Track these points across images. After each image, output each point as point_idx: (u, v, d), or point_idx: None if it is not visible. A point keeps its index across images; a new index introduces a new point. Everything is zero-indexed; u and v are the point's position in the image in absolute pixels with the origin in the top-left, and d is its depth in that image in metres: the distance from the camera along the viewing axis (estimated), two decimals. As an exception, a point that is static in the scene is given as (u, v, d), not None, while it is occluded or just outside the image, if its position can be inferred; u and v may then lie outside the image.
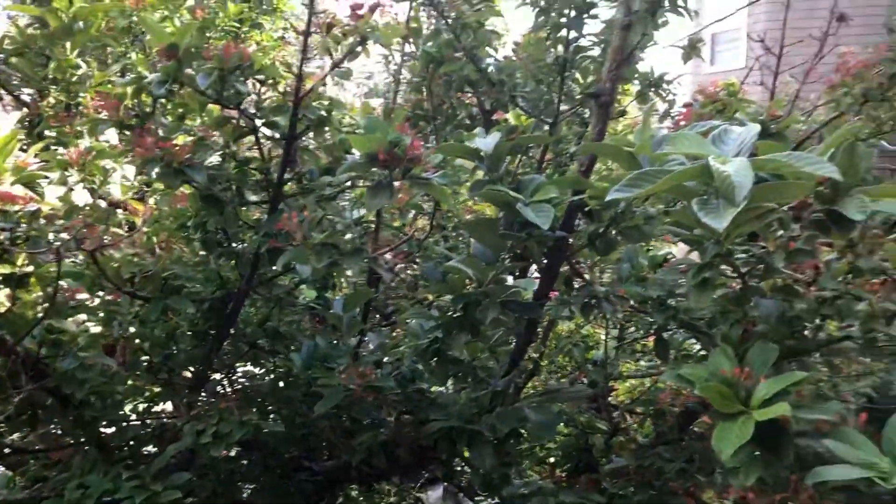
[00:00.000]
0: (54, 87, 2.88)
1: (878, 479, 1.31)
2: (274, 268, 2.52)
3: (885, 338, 1.69)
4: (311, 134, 2.43)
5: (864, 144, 2.43)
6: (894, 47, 2.56)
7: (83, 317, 2.33)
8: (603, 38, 3.15)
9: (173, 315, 2.57)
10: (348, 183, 2.39)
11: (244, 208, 2.53)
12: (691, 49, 3.47)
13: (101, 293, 2.39)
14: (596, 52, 3.20)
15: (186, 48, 2.21)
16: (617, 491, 2.64)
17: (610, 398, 3.36)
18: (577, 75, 3.33)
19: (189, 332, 2.67)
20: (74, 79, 2.88)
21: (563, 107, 3.30)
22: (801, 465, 1.40)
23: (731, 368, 1.49)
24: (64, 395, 2.25)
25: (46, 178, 2.29)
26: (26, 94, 3.00)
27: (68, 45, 2.82)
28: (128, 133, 2.32)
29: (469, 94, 3.47)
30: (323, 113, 2.36)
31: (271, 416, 2.83)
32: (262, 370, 3.11)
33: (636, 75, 3.47)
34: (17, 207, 2.04)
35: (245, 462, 2.87)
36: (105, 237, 2.19)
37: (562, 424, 3.12)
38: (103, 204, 2.51)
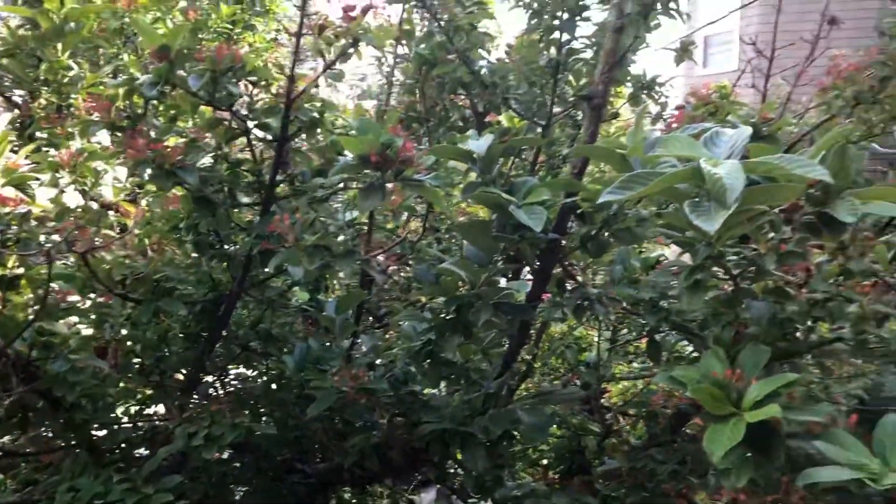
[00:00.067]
0: (46, 88, 2.87)
1: (868, 480, 1.32)
2: (266, 270, 2.52)
3: (875, 339, 1.70)
4: (303, 136, 2.43)
5: (855, 147, 2.44)
6: (885, 50, 2.57)
7: (74, 319, 2.32)
8: (595, 41, 3.16)
9: (165, 317, 2.56)
10: (341, 185, 2.39)
11: (236, 210, 2.53)
12: (684, 52, 3.48)
13: (92, 295, 2.38)
14: (589, 54, 3.21)
15: (178, 50, 2.20)
16: (609, 493, 2.64)
17: (603, 400, 3.37)
18: (570, 78, 3.34)
19: (181, 335, 2.66)
20: (66, 80, 2.86)
21: (556, 109, 3.30)
22: (793, 467, 1.41)
23: (723, 370, 1.49)
24: (55, 398, 2.24)
25: (37, 179, 2.29)
26: (17, 95, 2.99)
27: (60, 46, 2.81)
28: (119, 135, 2.31)
29: (462, 97, 3.47)
30: (315, 114, 2.36)
31: (264, 418, 2.82)
32: (255, 372, 3.09)
33: (629, 78, 3.48)
34: (7, 209, 2.03)
35: (237, 464, 2.86)
36: (96, 239, 2.18)
37: (554, 426, 3.12)
38: (95, 206, 2.50)
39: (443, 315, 2.27)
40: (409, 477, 4.17)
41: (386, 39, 2.49)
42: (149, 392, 2.73)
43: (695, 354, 2.65)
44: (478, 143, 2.06)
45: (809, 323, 1.78)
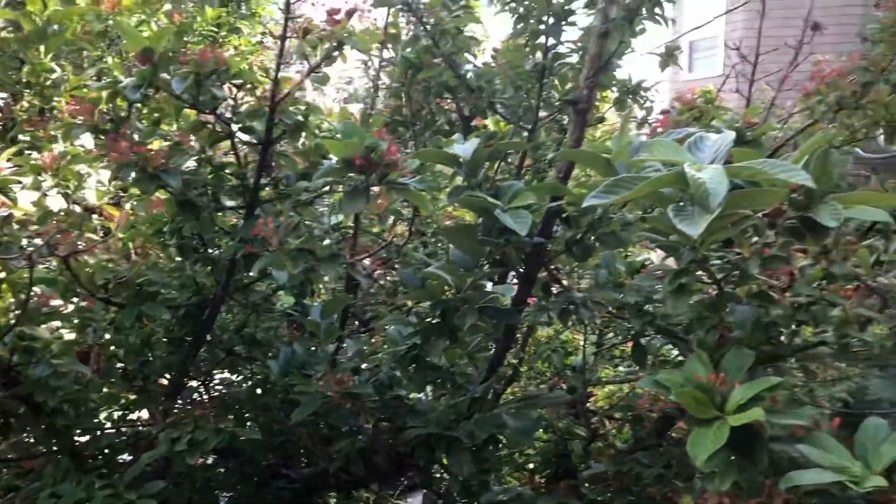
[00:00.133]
0: (28, 90, 2.85)
1: (849, 483, 1.32)
2: (250, 274, 2.50)
3: (859, 343, 1.71)
4: (287, 139, 2.42)
5: (837, 152, 2.47)
6: (867, 56, 2.59)
7: (56, 323, 2.30)
8: (581, 46, 3.17)
9: (149, 321, 2.54)
10: (325, 188, 2.38)
11: (220, 214, 2.52)
12: (669, 56, 3.49)
13: (74, 299, 2.36)
14: (574, 59, 3.22)
15: (162, 52, 2.19)
16: (595, 497, 2.64)
17: (588, 404, 3.37)
18: (556, 82, 3.35)
19: (165, 339, 2.65)
20: (49, 83, 2.85)
21: (542, 113, 3.31)
22: (776, 470, 1.41)
23: (707, 374, 1.50)
24: (36, 403, 2.21)
25: (20, 182, 2.27)
26: (0, 97, 2.97)
27: (42, 48, 2.79)
28: (103, 138, 2.30)
29: (448, 100, 3.47)
30: (299, 118, 2.35)
31: (248, 423, 2.81)
32: (239, 377, 3.08)
33: (614, 82, 3.49)
34: (-11, 213, 2.02)
35: (222, 470, 2.85)
36: (79, 243, 2.17)
37: (540, 430, 3.12)
38: (78, 209, 2.48)
39: (428, 319, 2.27)
40: (395, 482, 4.15)
41: (371, 43, 2.49)
42: (132, 397, 2.71)
43: (680, 358, 2.66)
44: (463, 147, 2.06)
45: (793, 327, 1.79)
